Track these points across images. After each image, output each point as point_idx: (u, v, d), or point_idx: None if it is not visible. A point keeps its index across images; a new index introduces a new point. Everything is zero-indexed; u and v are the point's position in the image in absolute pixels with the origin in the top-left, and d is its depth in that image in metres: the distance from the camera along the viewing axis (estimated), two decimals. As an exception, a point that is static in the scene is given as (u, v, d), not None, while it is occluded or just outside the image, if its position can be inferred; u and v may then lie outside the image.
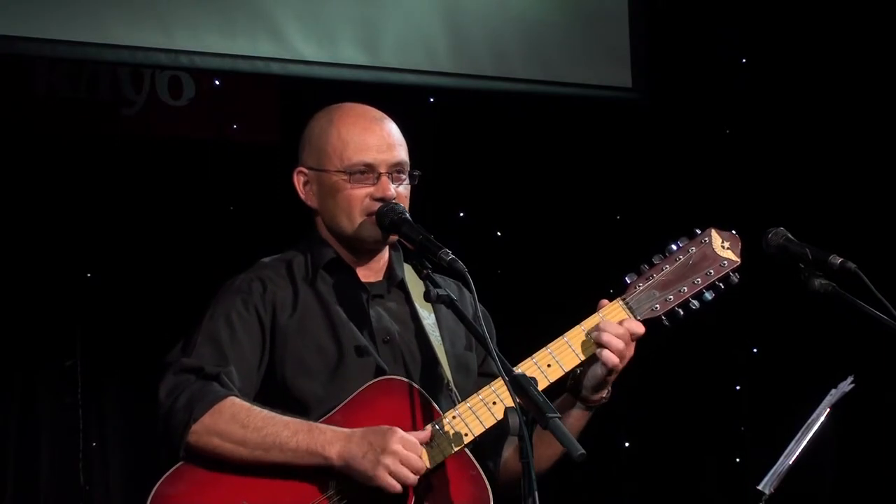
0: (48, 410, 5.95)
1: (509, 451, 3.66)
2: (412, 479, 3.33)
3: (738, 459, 6.89)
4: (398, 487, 3.32)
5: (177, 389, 3.40)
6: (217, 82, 6.25)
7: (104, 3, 5.35)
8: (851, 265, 3.65)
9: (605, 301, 3.58)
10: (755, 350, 6.89)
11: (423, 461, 3.36)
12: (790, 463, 4.08)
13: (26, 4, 5.19)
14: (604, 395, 3.58)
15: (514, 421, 3.16)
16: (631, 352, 3.52)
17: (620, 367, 3.51)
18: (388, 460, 3.31)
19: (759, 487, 4.07)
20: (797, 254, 3.71)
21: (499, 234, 6.80)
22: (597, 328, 3.51)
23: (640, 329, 3.52)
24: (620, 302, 3.57)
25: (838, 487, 6.62)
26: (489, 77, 6.21)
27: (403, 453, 3.32)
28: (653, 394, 6.71)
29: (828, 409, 4.14)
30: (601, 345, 3.49)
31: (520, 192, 6.72)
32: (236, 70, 5.71)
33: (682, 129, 6.85)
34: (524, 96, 6.37)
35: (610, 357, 3.48)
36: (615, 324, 3.52)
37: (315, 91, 5.66)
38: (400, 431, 3.34)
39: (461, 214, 6.69)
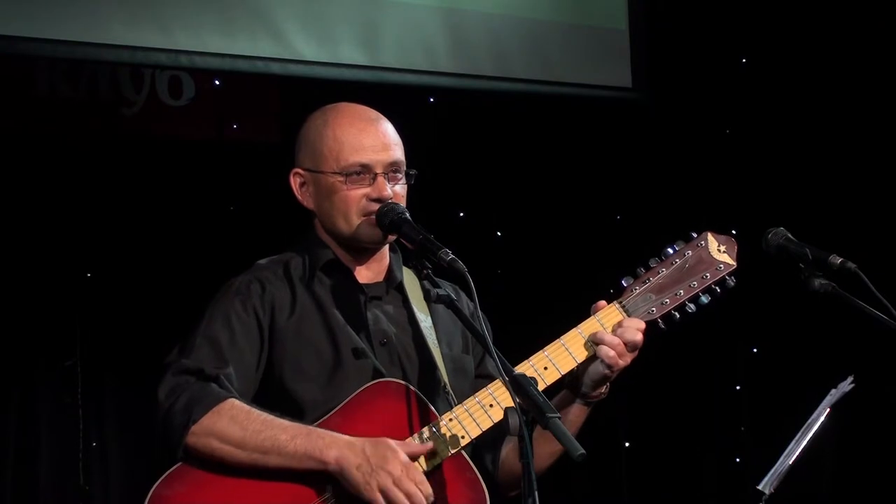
0: (48, 410, 5.93)
1: (507, 449, 3.65)
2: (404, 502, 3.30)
3: (738, 459, 6.89)
4: None
5: (176, 391, 3.39)
6: (217, 82, 6.24)
7: (104, 3, 5.34)
8: (851, 265, 3.65)
9: (602, 303, 3.57)
10: (755, 350, 6.88)
11: (424, 492, 3.30)
12: (790, 463, 4.08)
13: (26, 4, 5.18)
14: (602, 391, 3.58)
15: (515, 421, 3.14)
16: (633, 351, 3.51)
17: (621, 364, 3.49)
18: (382, 478, 3.28)
19: (759, 487, 4.07)
20: (797, 254, 3.71)
21: (499, 234, 6.80)
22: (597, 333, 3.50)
23: (640, 326, 3.50)
24: (617, 305, 3.55)
25: (838, 487, 6.61)
26: (489, 77, 6.20)
27: (399, 476, 3.28)
28: (653, 394, 6.70)
29: (828, 409, 4.14)
30: (599, 343, 3.48)
31: (520, 192, 6.71)
32: (236, 70, 5.70)
33: (683, 130, 6.85)
34: (524, 96, 6.36)
35: (607, 352, 3.47)
36: (616, 325, 3.50)
37: (315, 91, 5.64)
38: (403, 455, 3.31)
39: (461, 214, 6.68)
